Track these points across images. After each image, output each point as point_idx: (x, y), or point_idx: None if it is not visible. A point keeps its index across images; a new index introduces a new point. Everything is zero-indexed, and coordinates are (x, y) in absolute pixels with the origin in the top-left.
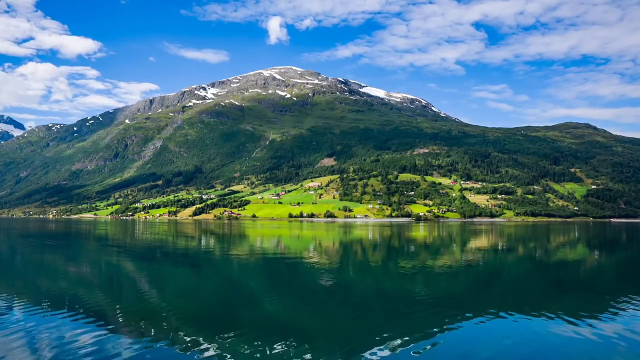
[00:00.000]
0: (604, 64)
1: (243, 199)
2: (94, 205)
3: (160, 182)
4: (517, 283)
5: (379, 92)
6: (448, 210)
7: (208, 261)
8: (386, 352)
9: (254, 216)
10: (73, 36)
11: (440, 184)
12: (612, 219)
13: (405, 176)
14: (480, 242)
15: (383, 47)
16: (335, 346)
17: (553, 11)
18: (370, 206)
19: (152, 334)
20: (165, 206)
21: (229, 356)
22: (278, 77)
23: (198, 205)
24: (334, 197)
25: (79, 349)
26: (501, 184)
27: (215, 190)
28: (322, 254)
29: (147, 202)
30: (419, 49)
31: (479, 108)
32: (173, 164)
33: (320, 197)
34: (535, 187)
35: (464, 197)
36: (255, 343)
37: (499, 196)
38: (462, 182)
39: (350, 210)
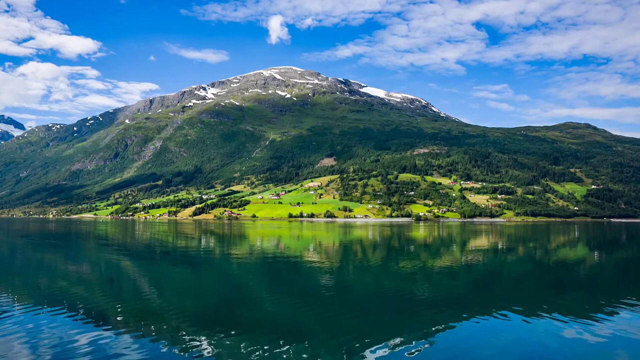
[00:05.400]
0: (605, 63)
1: (243, 199)
2: (94, 206)
3: (160, 182)
4: (517, 283)
5: (379, 92)
6: (448, 211)
7: (208, 261)
8: (386, 352)
9: (254, 216)
10: (73, 36)
11: (440, 184)
12: (612, 219)
13: (405, 176)
14: (480, 242)
15: (383, 46)
16: (335, 346)
17: (554, 11)
18: (370, 206)
19: (152, 334)
20: (165, 206)
21: (229, 356)
22: (278, 77)
23: (198, 206)
24: (334, 197)
25: (79, 349)
26: (501, 184)
27: (215, 191)
28: (322, 254)
29: (147, 202)
30: (419, 48)
31: (480, 108)
32: (173, 164)
33: (320, 197)
34: (535, 187)
35: (464, 197)
36: (255, 343)
37: (499, 196)
38: (462, 182)
39: (350, 210)
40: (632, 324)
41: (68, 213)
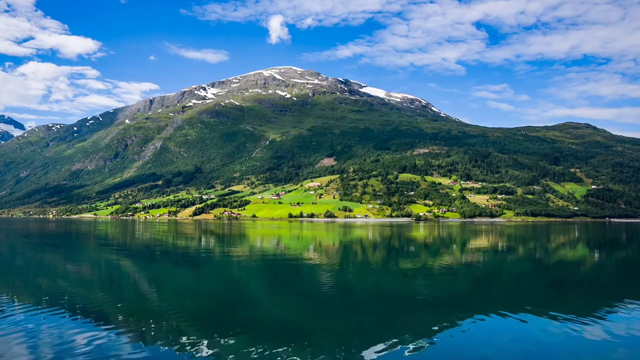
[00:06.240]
0: (605, 63)
1: (243, 199)
2: (94, 206)
3: (160, 182)
4: (517, 283)
5: (379, 92)
6: (448, 210)
7: (208, 261)
8: (386, 352)
9: (254, 216)
10: (73, 36)
11: (440, 184)
12: (612, 219)
13: (405, 176)
14: (480, 242)
15: (383, 46)
16: (336, 346)
17: (554, 11)
18: (370, 206)
19: (152, 334)
20: (165, 206)
21: (229, 356)
22: (278, 77)
23: (198, 206)
24: (334, 197)
25: (79, 349)
26: (501, 184)
27: (215, 191)
28: (322, 255)
29: (147, 202)
30: (419, 48)
31: (480, 108)
32: (173, 164)
33: (320, 197)
34: (535, 187)
35: (464, 197)
36: (255, 343)
37: (499, 196)
38: (462, 182)
39: (350, 210)
40: (632, 324)
41: (68, 213)
